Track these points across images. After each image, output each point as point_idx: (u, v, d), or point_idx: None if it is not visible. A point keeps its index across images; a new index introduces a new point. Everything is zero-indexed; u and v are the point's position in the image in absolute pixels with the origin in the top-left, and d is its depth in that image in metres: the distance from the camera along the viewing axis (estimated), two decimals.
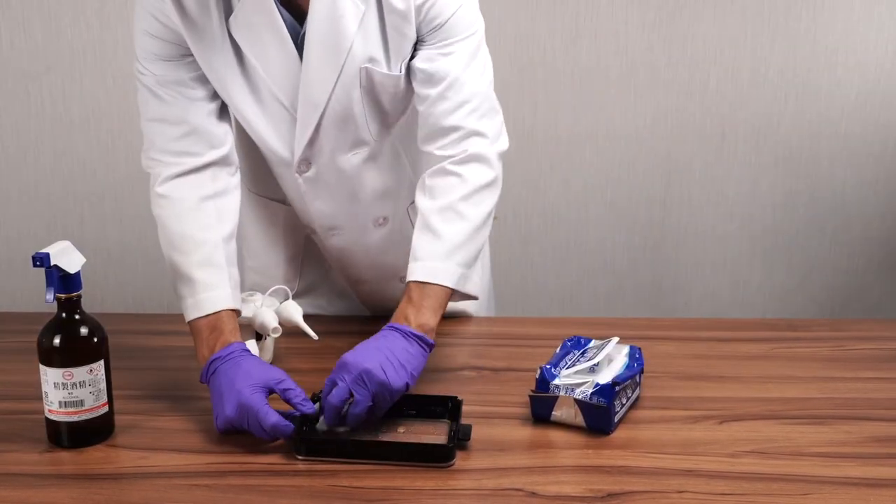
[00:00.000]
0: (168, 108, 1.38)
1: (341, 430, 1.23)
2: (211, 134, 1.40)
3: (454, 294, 1.35)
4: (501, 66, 1.45)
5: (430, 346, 1.29)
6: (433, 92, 1.38)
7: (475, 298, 1.42)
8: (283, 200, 1.59)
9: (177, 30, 1.35)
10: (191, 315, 1.33)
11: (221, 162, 1.42)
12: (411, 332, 1.27)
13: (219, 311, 1.32)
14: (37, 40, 2.45)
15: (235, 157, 1.45)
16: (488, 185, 1.40)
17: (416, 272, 1.34)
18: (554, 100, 2.49)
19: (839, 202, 2.56)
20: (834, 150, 2.53)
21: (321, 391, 1.29)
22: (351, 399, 1.21)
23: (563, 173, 2.55)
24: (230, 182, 1.43)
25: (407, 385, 1.23)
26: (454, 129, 1.39)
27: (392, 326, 1.28)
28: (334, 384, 1.21)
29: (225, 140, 1.42)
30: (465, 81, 1.39)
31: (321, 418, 1.24)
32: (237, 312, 1.36)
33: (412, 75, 1.41)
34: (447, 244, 1.35)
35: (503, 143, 1.44)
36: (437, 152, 1.40)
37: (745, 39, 2.45)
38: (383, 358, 1.22)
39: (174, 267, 1.36)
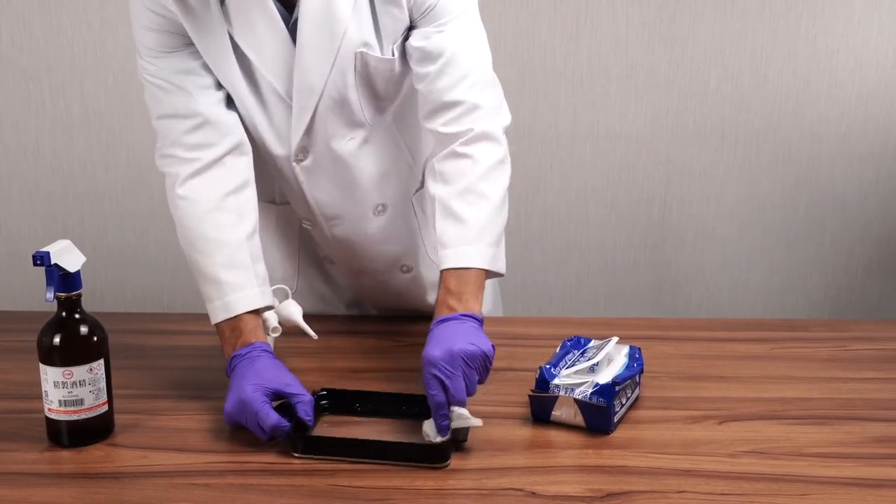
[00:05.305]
0: (178, 99, 1.37)
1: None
2: (223, 122, 1.39)
3: (488, 274, 1.33)
4: (501, 65, 1.45)
5: (481, 321, 1.27)
6: (432, 69, 1.37)
7: (503, 275, 1.38)
8: (273, 201, 1.58)
9: (175, 19, 1.34)
10: (218, 317, 1.33)
11: (237, 150, 1.40)
12: (462, 315, 1.25)
13: (240, 315, 1.32)
14: (37, 39, 2.45)
15: (249, 146, 1.43)
16: (501, 163, 1.39)
17: (448, 259, 1.31)
18: (554, 100, 2.49)
19: (839, 202, 2.56)
20: (834, 150, 2.52)
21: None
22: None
23: (563, 173, 2.55)
24: (248, 173, 1.41)
25: (493, 346, 1.22)
26: (456, 103, 1.37)
27: (441, 319, 1.26)
28: (442, 382, 1.17)
29: (237, 127, 1.41)
30: (462, 55, 1.37)
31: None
32: (268, 307, 1.37)
33: (408, 55, 1.40)
34: (473, 226, 1.33)
35: (506, 117, 1.43)
36: (442, 129, 1.38)
37: (745, 39, 2.44)
38: (460, 337, 1.20)
39: (198, 268, 1.36)
